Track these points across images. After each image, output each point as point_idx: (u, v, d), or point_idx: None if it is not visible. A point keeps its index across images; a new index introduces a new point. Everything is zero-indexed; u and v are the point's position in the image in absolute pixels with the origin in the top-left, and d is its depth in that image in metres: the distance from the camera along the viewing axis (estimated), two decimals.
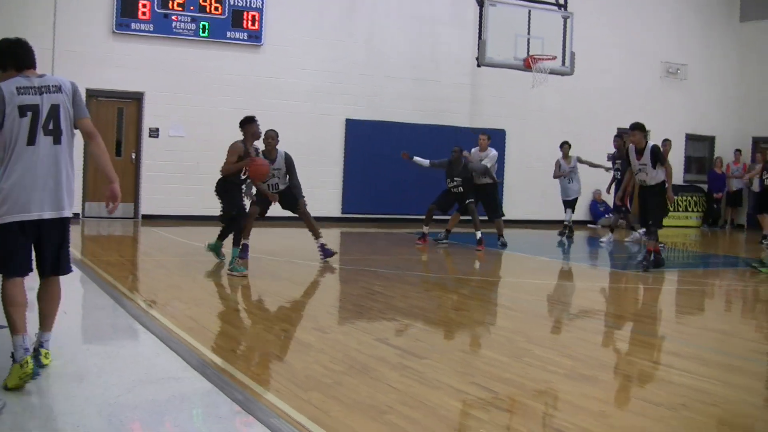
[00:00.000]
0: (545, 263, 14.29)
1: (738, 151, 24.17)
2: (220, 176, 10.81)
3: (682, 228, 23.12)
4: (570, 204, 18.09)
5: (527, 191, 21.57)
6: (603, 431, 4.92)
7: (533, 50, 18.23)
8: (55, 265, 5.57)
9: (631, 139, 12.61)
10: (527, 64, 18.13)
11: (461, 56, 20.64)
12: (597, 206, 22.40)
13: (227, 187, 10.85)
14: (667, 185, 12.57)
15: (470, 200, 14.93)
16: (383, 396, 5.38)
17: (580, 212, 22.55)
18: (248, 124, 10.92)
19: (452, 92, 20.95)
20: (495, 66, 18.47)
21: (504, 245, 15.22)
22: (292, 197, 12.14)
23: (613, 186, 17.79)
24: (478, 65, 18.42)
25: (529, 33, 18.26)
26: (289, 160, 12.02)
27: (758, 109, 24.88)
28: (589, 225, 22.15)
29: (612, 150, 18.66)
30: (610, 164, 18.33)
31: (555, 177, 18.06)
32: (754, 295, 11.63)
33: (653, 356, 7.11)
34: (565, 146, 17.94)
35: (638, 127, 12.53)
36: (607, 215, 21.56)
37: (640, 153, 12.37)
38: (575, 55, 18.85)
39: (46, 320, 5.65)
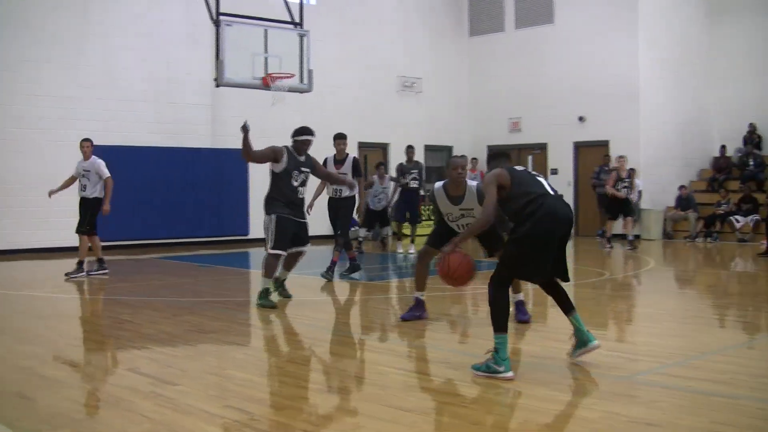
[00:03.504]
0: (297, 280, 14.43)
1: (474, 159, 25.42)
2: None
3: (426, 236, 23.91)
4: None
5: None
6: None
7: (271, 68, 18.37)
8: None
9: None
10: (265, 83, 18.23)
11: (199, 77, 20.54)
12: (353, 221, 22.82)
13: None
14: None
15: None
16: (137, 427, 5.32)
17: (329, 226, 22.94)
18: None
19: (192, 113, 20.82)
20: (234, 86, 18.46)
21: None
22: None
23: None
24: (217, 86, 18.40)
25: (266, 52, 18.40)
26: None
27: (490, 118, 26.31)
28: None
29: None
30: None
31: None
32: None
33: (403, 364, 7.35)
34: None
35: None
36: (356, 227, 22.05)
37: None
38: (313, 72, 19.19)
39: None
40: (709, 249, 20.39)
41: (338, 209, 13.60)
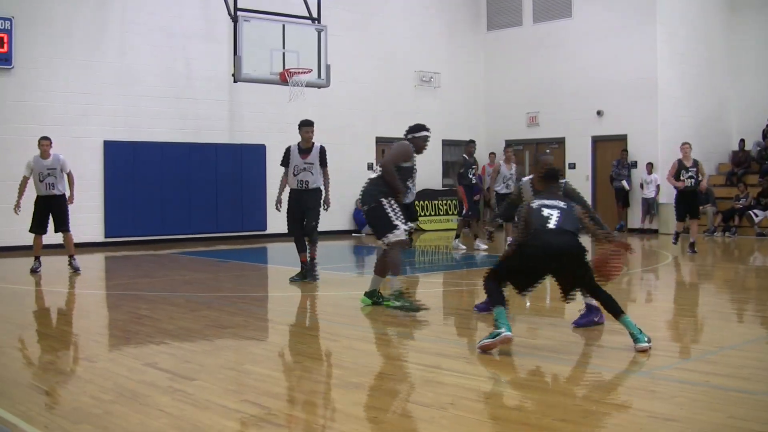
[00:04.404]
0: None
1: (492, 154, 25.33)
2: None
3: (444, 231, 23.94)
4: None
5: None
6: None
7: (289, 64, 18.41)
8: None
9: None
10: (283, 78, 18.30)
11: (217, 72, 20.59)
12: (360, 214, 22.84)
13: None
14: None
15: None
16: (155, 422, 5.35)
17: (344, 221, 22.90)
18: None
19: (210, 109, 20.85)
20: (251, 81, 18.55)
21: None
22: None
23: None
24: (235, 81, 18.44)
25: (284, 47, 18.44)
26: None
27: (508, 113, 26.26)
28: (353, 234, 22.55)
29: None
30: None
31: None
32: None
33: (420, 359, 7.35)
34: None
35: None
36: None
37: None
38: (330, 67, 19.22)
39: None
40: (727, 243, 20.29)
41: (306, 201, 12.55)
